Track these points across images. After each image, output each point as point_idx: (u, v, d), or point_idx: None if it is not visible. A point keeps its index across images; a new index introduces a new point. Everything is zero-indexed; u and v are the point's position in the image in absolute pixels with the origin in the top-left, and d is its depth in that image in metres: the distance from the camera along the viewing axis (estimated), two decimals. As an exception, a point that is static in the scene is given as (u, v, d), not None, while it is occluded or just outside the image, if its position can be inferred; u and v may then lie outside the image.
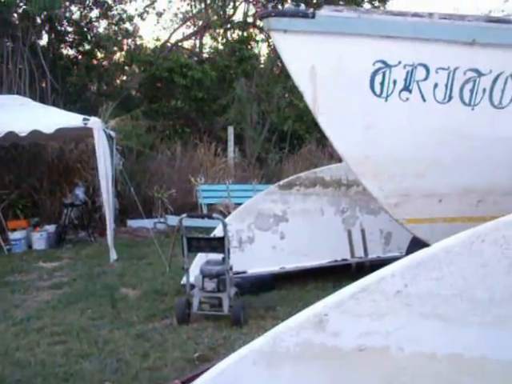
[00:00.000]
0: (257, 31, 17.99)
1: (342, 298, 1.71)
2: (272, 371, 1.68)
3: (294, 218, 7.11)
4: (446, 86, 4.41)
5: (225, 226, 5.64)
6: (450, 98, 4.43)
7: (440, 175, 4.82)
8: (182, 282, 6.57)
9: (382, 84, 4.35)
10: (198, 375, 1.83)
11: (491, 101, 4.50)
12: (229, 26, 18.20)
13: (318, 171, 7.49)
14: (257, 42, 18.30)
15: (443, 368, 1.72)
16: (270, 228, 7.03)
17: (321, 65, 4.27)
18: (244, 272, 6.51)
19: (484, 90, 4.45)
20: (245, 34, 17.50)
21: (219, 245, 5.62)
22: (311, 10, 4.34)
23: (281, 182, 7.22)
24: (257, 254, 6.76)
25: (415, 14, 4.30)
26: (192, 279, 5.77)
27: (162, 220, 11.49)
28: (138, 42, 18.45)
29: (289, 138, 16.05)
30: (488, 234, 1.80)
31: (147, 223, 11.34)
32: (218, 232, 6.35)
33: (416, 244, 5.73)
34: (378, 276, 1.72)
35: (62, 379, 4.34)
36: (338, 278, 6.90)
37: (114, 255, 9.01)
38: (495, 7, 28.69)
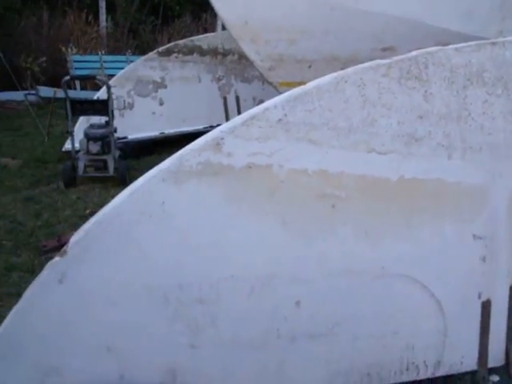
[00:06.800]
0: None
1: (235, 124, 2.09)
2: (179, 186, 2.08)
3: (173, 84, 7.33)
4: None
5: (109, 87, 5.75)
6: None
7: (310, 43, 5.22)
8: (63, 149, 6.70)
9: None
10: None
11: None
12: None
13: (195, 39, 7.66)
14: None
15: (313, 181, 2.19)
16: (149, 94, 7.21)
17: None
18: (125, 137, 6.73)
19: None
20: None
21: (103, 107, 5.75)
22: None
23: (159, 49, 7.33)
24: (137, 120, 6.97)
25: None
26: (76, 143, 5.92)
27: (32, 91, 11.06)
28: None
29: (161, 10, 15.62)
30: (350, 76, 2.24)
31: (16, 95, 10.90)
32: (100, 95, 6.46)
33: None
34: (264, 107, 2.11)
35: (-44, 240, 4.44)
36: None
37: (-14, 127, 8.75)
38: None
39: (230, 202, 2.14)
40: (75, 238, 2.12)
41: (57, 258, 2.13)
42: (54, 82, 10.08)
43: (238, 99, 7.91)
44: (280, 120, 2.12)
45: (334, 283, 2.41)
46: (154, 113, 7.26)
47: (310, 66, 5.34)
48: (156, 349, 2.31)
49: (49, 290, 2.19)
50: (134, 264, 2.16)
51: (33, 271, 3.68)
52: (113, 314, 2.23)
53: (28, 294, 2.22)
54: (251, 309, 2.33)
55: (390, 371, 2.63)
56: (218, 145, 2.07)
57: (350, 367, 2.56)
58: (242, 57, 5.83)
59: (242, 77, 7.89)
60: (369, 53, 5.40)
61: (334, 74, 2.20)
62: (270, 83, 5.38)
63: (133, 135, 6.94)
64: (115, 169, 5.85)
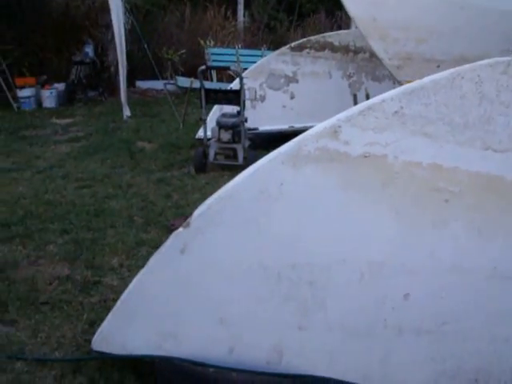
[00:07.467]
0: None
1: (353, 113, 2.19)
2: (296, 169, 2.21)
3: (304, 79, 7.46)
4: None
5: (241, 78, 5.97)
6: None
7: (439, 42, 5.13)
8: (196, 136, 7.05)
9: None
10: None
11: None
12: None
13: (327, 36, 7.74)
14: None
15: (426, 173, 2.24)
16: (280, 88, 7.40)
17: None
18: (256, 129, 6.94)
19: None
20: None
21: (235, 97, 5.99)
22: None
23: (292, 44, 7.49)
24: (268, 112, 7.18)
25: None
26: (209, 131, 6.22)
27: (171, 81, 11.62)
28: None
29: (297, 8, 15.84)
30: (467, 72, 2.25)
31: (157, 84, 11.54)
32: (234, 85, 6.73)
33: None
34: (381, 98, 2.19)
35: (93, 215, 4.83)
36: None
37: (127, 112, 9.28)
38: None
39: (344, 189, 2.25)
40: (198, 211, 2.32)
41: (180, 229, 2.33)
42: (191, 73, 10.56)
43: (367, 97, 7.87)
44: (396, 112, 2.18)
45: (443, 279, 2.41)
46: (284, 106, 7.44)
47: (438, 66, 5.27)
48: (266, 327, 2.44)
49: (171, 259, 2.40)
50: (251, 240, 2.32)
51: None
52: (228, 286, 2.39)
53: (152, 261, 2.44)
54: (360, 295, 2.40)
55: (499, 380, 2.55)
56: (335, 132, 2.17)
57: (457, 369, 2.52)
58: (373, 55, 5.84)
59: (373, 75, 7.85)
60: (500, 54, 5.20)
61: (451, 70, 2.23)
62: (399, 82, 5.36)
63: (263, 127, 7.14)
64: (244, 158, 6.02)
